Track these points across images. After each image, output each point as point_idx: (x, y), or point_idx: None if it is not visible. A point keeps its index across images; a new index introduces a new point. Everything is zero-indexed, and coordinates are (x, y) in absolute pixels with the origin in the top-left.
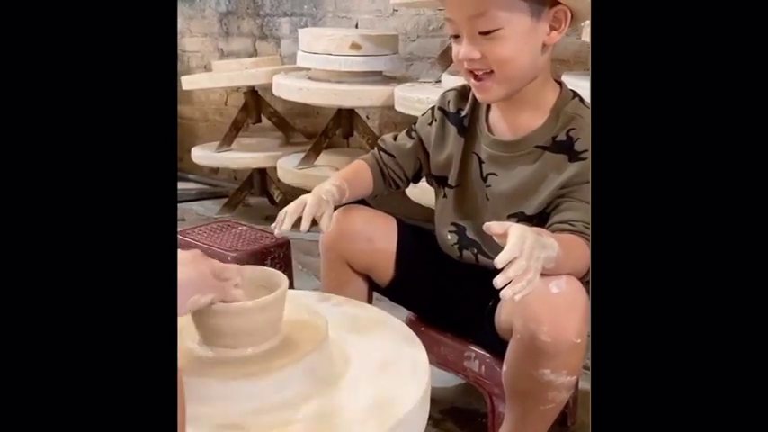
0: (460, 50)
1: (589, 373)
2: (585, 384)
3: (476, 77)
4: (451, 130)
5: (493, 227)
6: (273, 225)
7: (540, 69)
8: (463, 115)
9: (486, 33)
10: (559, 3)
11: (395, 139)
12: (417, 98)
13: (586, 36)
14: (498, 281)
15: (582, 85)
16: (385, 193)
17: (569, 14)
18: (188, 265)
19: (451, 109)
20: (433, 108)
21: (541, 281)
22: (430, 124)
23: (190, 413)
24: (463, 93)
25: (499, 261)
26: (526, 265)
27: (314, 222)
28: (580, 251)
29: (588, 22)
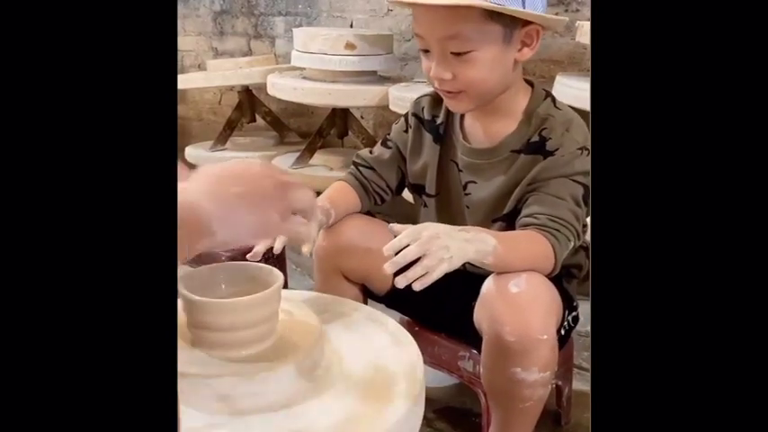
0: (431, 69)
1: (582, 372)
2: (580, 384)
3: (447, 92)
4: (427, 137)
5: (394, 227)
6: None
7: (512, 81)
8: (439, 123)
9: (458, 54)
10: (531, 22)
11: (371, 152)
12: (412, 98)
13: (581, 37)
14: (386, 268)
15: (576, 85)
16: (370, 208)
17: (541, 32)
18: (255, 208)
19: (426, 116)
20: (406, 115)
21: (501, 281)
22: (405, 131)
23: (182, 414)
24: (437, 98)
25: (385, 248)
26: (418, 251)
27: None
28: (534, 247)
29: (581, 22)
